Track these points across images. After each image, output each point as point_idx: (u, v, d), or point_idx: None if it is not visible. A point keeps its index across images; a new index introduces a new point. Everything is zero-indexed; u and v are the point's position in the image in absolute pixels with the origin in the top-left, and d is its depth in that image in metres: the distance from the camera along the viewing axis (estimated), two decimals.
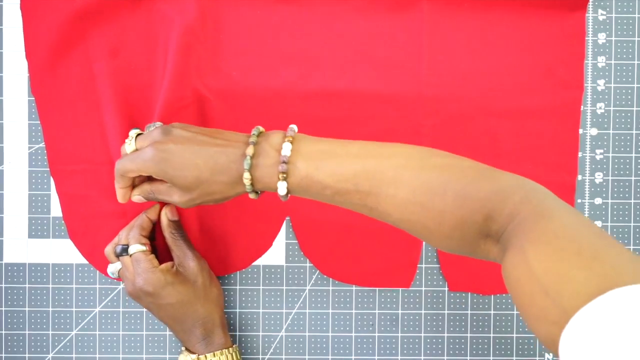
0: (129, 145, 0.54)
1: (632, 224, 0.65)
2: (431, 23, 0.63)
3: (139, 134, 0.55)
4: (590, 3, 0.65)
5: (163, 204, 0.60)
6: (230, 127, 0.60)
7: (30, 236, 0.64)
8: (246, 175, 0.49)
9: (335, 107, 0.63)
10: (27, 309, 0.64)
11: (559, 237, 0.39)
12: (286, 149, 0.49)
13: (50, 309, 0.64)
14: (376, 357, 0.65)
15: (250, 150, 0.50)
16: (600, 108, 0.65)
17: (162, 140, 0.51)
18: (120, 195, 0.56)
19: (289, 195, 0.50)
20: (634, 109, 0.65)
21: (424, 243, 0.64)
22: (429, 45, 0.63)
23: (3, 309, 0.64)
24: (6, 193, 0.64)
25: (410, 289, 0.65)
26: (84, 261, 0.64)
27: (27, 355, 0.64)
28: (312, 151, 0.49)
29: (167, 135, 0.52)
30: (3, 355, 0.64)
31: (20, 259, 0.64)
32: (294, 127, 0.51)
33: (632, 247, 0.65)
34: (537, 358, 0.65)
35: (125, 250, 0.58)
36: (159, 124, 0.56)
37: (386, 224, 0.51)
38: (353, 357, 0.65)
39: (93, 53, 0.62)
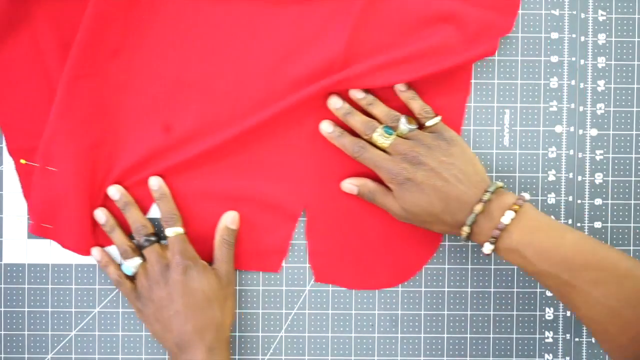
0: (382, 136, 0.57)
1: (632, 225, 0.65)
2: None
3: (396, 135, 0.58)
4: (590, 3, 0.65)
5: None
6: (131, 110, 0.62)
7: (29, 236, 0.64)
8: (465, 229, 0.55)
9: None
10: (26, 309, 0.64)
11: None
12: (507, 217, 0.53)
13: (50, 310, 0.64)
14: (376, 358, 0.65)
15: (478, 208, 0.54)
16: (600, 109, 0.65)
17: (411, 167, 0.56)
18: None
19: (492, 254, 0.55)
20: (634, 109, 0.65)
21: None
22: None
23: (2, 309, 0.64)
24: (6, 193, 0.64)
25: (410, 289, 0.65)
26: (84, 261, 0.64)
27: (26, 355, 0.64)
28: (530, 226, 0.53)
29: (417, 165, 0.56)
30: (2, 355, 0.64)
31: (20, 259, 0.64)
32: (526, 195, 0.55)
33: (632, 248, 0.65)
34: (537, 358, 0.65)
35: (154, 237, 0.59)
36: (414, 124, 0.59)
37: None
38: (353, 357, 0.65)
39: (42, 34, 0.61)
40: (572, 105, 0.65)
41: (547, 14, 0.65)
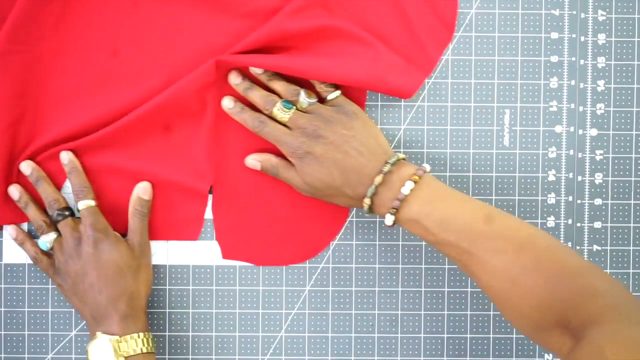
0: (281, 111, 0.57)
1: (632, 225, 0.65)
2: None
3: (295, 109, 0.57)
4: (590, 3, 0.65)
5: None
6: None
7: None
8: (366, 201, 0.54)
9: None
10: (26, 309, 0.64)
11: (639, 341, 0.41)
12: (406, 188, 0.52)
13: (50, 310, 0.64)
14: (376, 358, 0.65)
15: (378, 179, 0.53)
16: (600, 109, 0.65)
17: (310, 141, 0.55)
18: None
19: (394, 225, 0.54)
20: (634, 109, 0.65)
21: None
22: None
23: (2, 309, 0.64)
24: None
25: (410, 289, 0.65)
26: None
27: (26, 355, 0.64)
28: (430, 196, 0.52)
29: (316, 138, 0.56)
30: (2, 355, 0.64)
31: (20, 259, 0.64)
32: (427, 166, 0.54)
33: (632, 248, 0.65)
34: (537, 358, 0.65)
35: (67, 211, 0.60)
36: (313, 98, 0.58)
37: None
38: (353, 357, 0.65)
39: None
40: (572, 105, 0.65)
41: (547, 14, 0.65)
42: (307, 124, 0.56)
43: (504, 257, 0.49)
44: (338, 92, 0.59)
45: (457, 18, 0.64)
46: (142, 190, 0.61)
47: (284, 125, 0.58)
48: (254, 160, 0.61)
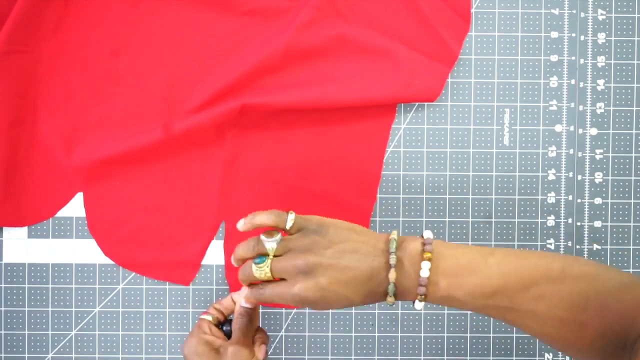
0: (260, 272, 0.51)
1: (632, 224, 0.65)
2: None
3: (269, 256, 0.51)
4: (590, 2, 0.65)
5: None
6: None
7: (30, 236, 0.64)
8: (390, 299, 0.49)
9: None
10: (26, 309, 0.64)
11: None
12: (425, 270, 0.48)
13: (50, 309, 0.64)
14: (376, 357, 0.65)
15: (392, 276, 0.48)
16: (600, 108, 0.65)
17: (310, 277, 0.49)
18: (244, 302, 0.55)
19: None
20: (634, 108, 0.65)
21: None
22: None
23: (3, 309, 0.64)
24: None
25: None
26: (84, 261, 0.64)
27: (26, 355, 0.64)
28: (451, 267, 0.49)
29: (313, 272, 0.49)
30: (3, 355, 0.64)
31: (20, 259, 0.64)
32: (430, 235, 0.50)
33: (632, 247, 0.65)
34: (537, 358, 0.65)
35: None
36: (276, 234, 0.52)
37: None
38: (353, 357, 0.65)
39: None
40: (572, 105, 0.65)
41: (546, 13, 0.65)
42: (294, 264, 0.50)
43: (547, 301, 0.48)
44: (293, 215, 0.52)
45: (471, 8, 0.64)
46: (244, 299, 0.55)
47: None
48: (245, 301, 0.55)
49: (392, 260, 0.49)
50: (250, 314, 0.56)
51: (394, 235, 0.50)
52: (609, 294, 0.47)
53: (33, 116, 0.63)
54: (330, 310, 0.64)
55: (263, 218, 0.52)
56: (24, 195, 0.63)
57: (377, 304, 0.64)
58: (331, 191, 0.63)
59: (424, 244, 0.49)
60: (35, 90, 0.63)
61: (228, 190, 0.64)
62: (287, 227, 0.51)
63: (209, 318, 0.57)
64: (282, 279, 0.50)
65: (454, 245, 0.51)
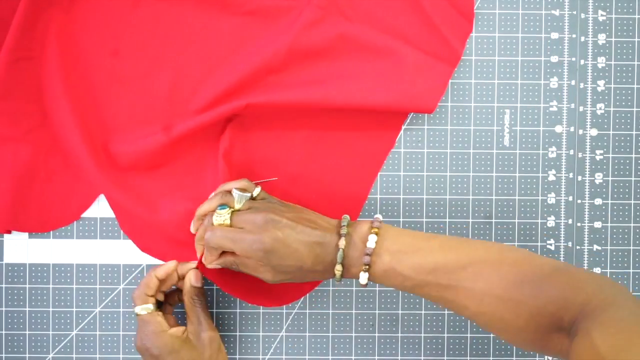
0: (220, 218, 0.55)
1: (632, 225, 0.65)
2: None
3: (231, 209, 0.55)
4: (590, 3, 0.65)
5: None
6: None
7: (30, 236, 0.64)
8: (338, 268, 0.53)
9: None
10: (27, 309, 0.64)
11: (624, 320, 0.42)
12: (371, 242, 0.52)
13: (51, 309, 0.64)
14: (376, 357, 0.65)
15: (342, 243, 0.53)
16: (600, 109, 0.65)
17: (268, 229, 0.53)
18: (207, 261, 0.57)
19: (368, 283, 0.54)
20: (634, 109, 0.65)
21: None
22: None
23: (3, 309, 0.64)
24: None
25: None
26: (84, 261, 0.64)
27: (27, 355, 0.64)
28: (396, 244, 0.52)
29: (273, 225, 0.53)
30: (3, 355, 0.64)
31: (21, 259, 0.64)
32: (379, 217, 0.54)
33: (632, 248, 0.65)
34: (537, 358, 0.65)
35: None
36: (246, 194, 0.56)
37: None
38: (353, 357, 0.65)
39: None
40: (572, 105, 0.65)
41: (547, 14, 0.65)
42: (254, 217, 0.54)
43: (484, 279, 0.50)
44: (259, 188, 0.57)
45: (474, 7, 0.64)
46: (193, 279, 0.59)
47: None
48: (222, 260, 0.56)
49: (343, 230, 0.53)
50: (204, 292, 0.60)
51: (345, 215, 0.55)
52: (543, 276, 0.49)
53: (46, 121, 0.62)
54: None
55: (234, 183, 0.58)
56: (46, 200, 0.63)
57: (376, 306, 0.64)
58: (313, 205, 0.62)
59: (372, 223, 0.54)
60: (44, 95, 0.62)
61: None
62: (254, 193, 0.57)
63: (152, 308, 0.57)
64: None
65: (400, 229, 0.55)
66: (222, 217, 0.55)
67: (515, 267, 0.50)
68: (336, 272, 0.53)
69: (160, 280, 0.59)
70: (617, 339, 0.40)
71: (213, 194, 0.59)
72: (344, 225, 0.54)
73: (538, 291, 0.48)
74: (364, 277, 0.53)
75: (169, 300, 0.61)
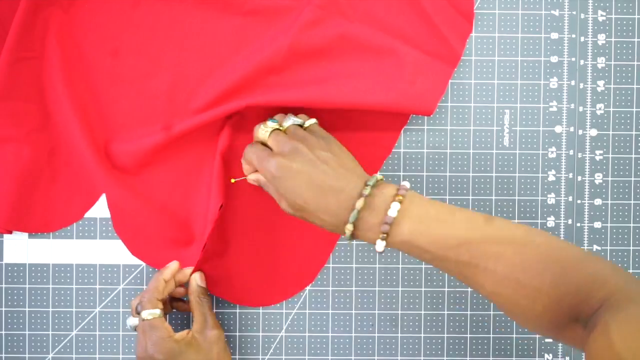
0: (262, 132, 0.56)
1: (631, 225, 0.65)
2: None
3: (276, 129, 0.56)
4: (590, 3, 0.65)
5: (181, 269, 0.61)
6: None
7: (30, 236, 0.64)
8: (349, 227, 0.50)
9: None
10: (27, 309, 0.64)
11: None
12: (393, 210, 0.49)
13: (51, 309, 0.64)
14: (376, 358, 0.65)
15: (359, 204, 0.50)
16: (600, 109, 0.65)
17: (287, 156, 0.53)
18: (246, 172, 0.59)
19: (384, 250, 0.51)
20: (634, 109, 0.65)
21: None
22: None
23: (3, 309, 0.64)
24: None
25: (410, 289, 0.65)
26: (84, 261, 0.64)
27: (27, 355, 0.64)
28: (419, 214, 0.50)
29: (294, 155, 0.53)
30: (3, 355, 0.64)
31: (21, 259, 0.64)
32: (407, 184, 0.52)
33: (632, 248, 0.65)
34: (537, 358, 0.65)
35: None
36: (297, 119, 0.57)
37: None
38: (353, 357, 0.65)
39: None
40: (572, 106, 0.65)
41: (547, 14, 0.65)
42: (285, 142, 0.54)
43: (506, 261, 0.48)
44: (314, 120, 0.58)
45: (474, 7, 0.64)
46: (199, 279, 0.60)
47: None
48: (255, 176, 0.58)
49: (366, 190, 0.50)
50: (207, 291, 0.60)
51: (378, 175, 0.52)
52: (568, 265, 0.47)
53: (47, 121, 0.62)
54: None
55: (292, 117, 0.58)
56: (49, 200, 0.63)
57: (376, 306, 0.64)
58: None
59: (398, 189, 0.51)
60: (45, 95, 0.62)
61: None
62: (306, 124, 0.57)
63: (160, 313, 0.57)
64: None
65: (427, 198, 0.52)
66: (267, 129, 0.56)
67: (539, 253, 0.48)
68: (346, 230, 0.51)
69: (166, 282, 0.59)
70: (635, 338, 0.39)
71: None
72: (368, 185, 0.51)
73: (559, 281, 0.46)
74: (380, 245, 0.50)
75: (164, 309, 0.61)
